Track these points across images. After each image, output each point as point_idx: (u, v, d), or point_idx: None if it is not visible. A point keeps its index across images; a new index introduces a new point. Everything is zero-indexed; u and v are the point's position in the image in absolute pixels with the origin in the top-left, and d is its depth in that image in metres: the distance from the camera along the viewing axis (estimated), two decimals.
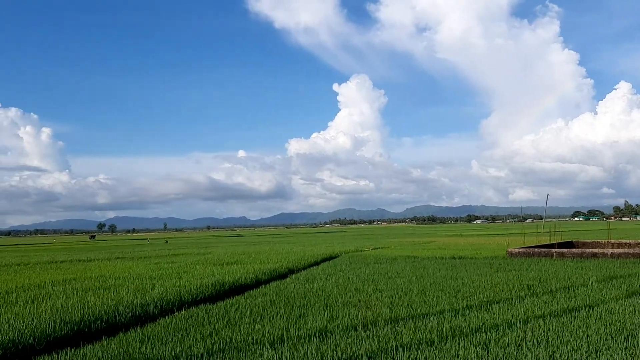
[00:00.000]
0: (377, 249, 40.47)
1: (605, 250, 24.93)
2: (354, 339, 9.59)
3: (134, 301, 13.64)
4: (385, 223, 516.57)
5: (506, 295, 14.36)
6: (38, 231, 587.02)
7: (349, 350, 8.85)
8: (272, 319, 11.74)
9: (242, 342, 9.61)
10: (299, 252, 35.58)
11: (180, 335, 10.27)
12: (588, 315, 11.23)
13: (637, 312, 11.44)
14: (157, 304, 13.49)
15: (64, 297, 15.15)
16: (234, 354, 8.86)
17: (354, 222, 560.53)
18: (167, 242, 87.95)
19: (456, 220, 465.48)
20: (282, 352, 8.84)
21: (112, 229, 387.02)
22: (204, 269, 23.96)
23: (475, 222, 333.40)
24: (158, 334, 10.52)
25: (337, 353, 8.66)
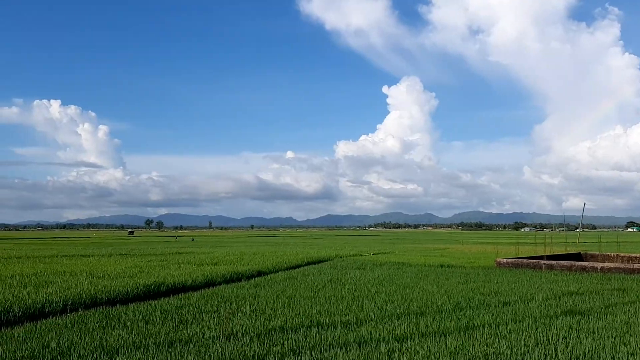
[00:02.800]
0: (378, 254, 39.51)
1: (596, 265, 23.34)
2: (198, 350, 9.05)
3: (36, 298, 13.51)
4: (431, 228, 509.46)
5: (433, 308, 13.48)
6: (91, 225, 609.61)
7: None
8: (148, 325, 11.31)
9: (89, 346, 9.25)
10: (293, 255, 35.09)
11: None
12: (482, 334, 10.27)
13: (540, 333, 10.38)
14: (59, 303, 13.27)
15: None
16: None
17: (399, 226, 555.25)
18: (193, 239, 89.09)
19: (504, 227, 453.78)
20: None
21: (159, 225, 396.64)
22: (171, 269, 23.83)
23: (522, 230, 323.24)
24: None
25: None
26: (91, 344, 9.28)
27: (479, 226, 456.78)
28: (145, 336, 9.92)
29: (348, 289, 17.46)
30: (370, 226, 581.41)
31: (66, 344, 9.30)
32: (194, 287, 18.07)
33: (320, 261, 31.02)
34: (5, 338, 9.78)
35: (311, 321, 11.55)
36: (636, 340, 9.73)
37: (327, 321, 11.57)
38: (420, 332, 10.36)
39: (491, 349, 8.99)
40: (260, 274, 23.25)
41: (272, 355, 8.61)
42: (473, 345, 9.31)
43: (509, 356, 8.60)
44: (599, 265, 23.17)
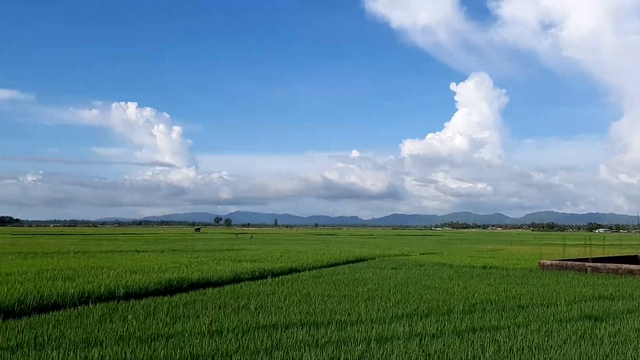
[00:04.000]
0: (425, 254, 38.78)
1: None
2: (175, 345, 9.19)
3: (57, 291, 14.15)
4: (500, 228, 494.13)
5: (443, 310, 13.07)
6: (165, 222, 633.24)
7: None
8: (146, 320, 11.60)
9: (76, 338, 9.59)
10: (336, 253, 35.07)
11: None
12: (471, 338, 9.85)
13: (538, 337, 9.83)
14: (75, 296, 13.83)
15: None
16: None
17: (467, 226, 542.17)
18: (252, 237, 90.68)
19: (579, 228, 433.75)
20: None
21: (228, 223, 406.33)
22: (209, 265, 24.36)
23: (597, 231, 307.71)
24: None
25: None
26: (80, 336, 9.61)
27: (551, 227, 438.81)
28: (135, 330, 10.17)
29: (368, 288, 17.23)
30: (436, 226, 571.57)
31: (57, 335, 9.68)
32: (218, 284, 18.35)
33: (360, 260, 30.79)
34: (6, 328, 10.29)
35: (307, 320, 11.48)
36: (635, 348, 9.03)
37: (322, 320, 11.46)
38: (408, 334, 10.06)
39: (469, 352, 8.60)
40: (291, 271, 23.36)
41: (242, 351, 8.62)
42: (453, 348, 8.94)
43: None
44: None
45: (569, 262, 24.26)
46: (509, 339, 9.72)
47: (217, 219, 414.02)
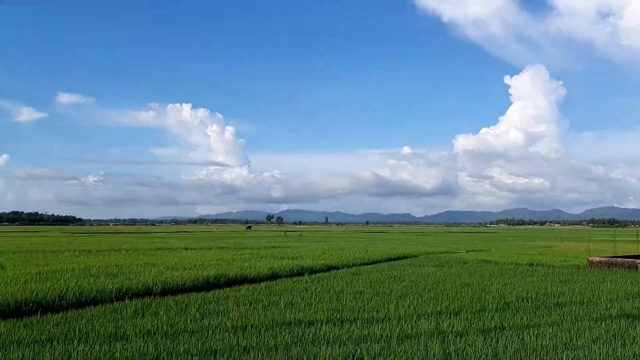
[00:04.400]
0: (472, 251, 38.08)
1: None
2: (199, 339, 9.41)
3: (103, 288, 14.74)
4: (558, 225, 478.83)
5: (475, 308, 12.83)
6: (219, 220, 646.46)
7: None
8: (176, 315, 11.92)
9: (106, 332, 9.97)
10: (379, 251, 34.90)
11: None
12: (498, 336, 9.63)
13: (566, 336, 9.50)
14: (112, 292, 14.34)
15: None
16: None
17: (523, 223, 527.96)
18: (300, 235, 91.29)
19: None
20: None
21: (279, 221, 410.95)
22: (250, 262, 24.71)
23: None
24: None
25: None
26: (109, 331, 9.98)
27: (612, 223, 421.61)
28: (163, 325, 10.47)
29: (404, 286, 17.09)
30: (491, 223, 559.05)
31: (88, 329, 10.08)
32: (255, 280, 18.61)
33: (403, 257, 30.53)
34: (42, 322, 10.79)
35: (333, 316, 11.52)
36: None
37: (349, 317, 11.47)
38: (433, 332, 9.94)
39: (490, 351, 8.42)
40: (330, 268, 23.41)
41: (260, 347, 8.74)
42: (473, 347, 8.77)
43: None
44: None
45: (619, 259, 23.32)
46: (536, 338, 9.46)
47: (269, 217, 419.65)
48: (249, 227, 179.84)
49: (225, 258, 27.40)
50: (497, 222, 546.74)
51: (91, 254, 32.49)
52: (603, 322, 10.99)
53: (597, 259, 24.10)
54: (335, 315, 11.74)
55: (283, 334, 9.76)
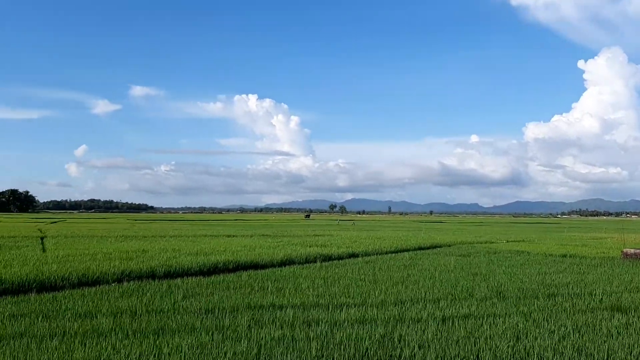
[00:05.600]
0: (512, 241, 37.04)
1: None
2: (168, 317, 9.86)
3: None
4: (635, 216, 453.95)
5: (462, 296, 12.64)
6: (284, 209, 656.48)
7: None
8: (163, 297, 12.46)
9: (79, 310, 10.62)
10: (412, 240, 34.64)
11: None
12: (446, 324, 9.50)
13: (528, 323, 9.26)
14: (115, 275, 15.14)
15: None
16: None
17: (598, 214, 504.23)
18: (354, 223, 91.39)
19: None
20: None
21: (342, 209, 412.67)
22: (276, 249, 25.18)
23: None
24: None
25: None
26: (83, 310, 10.60)
27: None
28: (140, 305, 11.00)
29: (407, 274, 16.99)
30: (563, 214, 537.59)
31: (68, 307, 10.76)
32: (265, 266, 18.98)
33: (435, 247, 30.17)
34: (27, 300, 11.62)
35: (309, 301, 11.71)
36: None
37: (323, 302, 11.60)
38: (390, 318, 9.94)
39: (429, 337, 8.36)
40: (351, 256, 23.50)
41: (209, 327, 9.06)
42: (418, 332, 8.73)
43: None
44: None
45: None
46: (489, 327, 9.27)
47: (332, 206, 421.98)
48: (308, 216, 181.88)
49: (254, 245, 27.99)
50: (570, 213, 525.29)
51: (135, 239, 34.04)
52: (582, 314, 10.59)
53: (632, 251, 22.95)
54: (312, 300, 11.89)
55: (243, 315, 10.06)
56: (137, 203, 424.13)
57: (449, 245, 31.15)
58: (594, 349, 8.02)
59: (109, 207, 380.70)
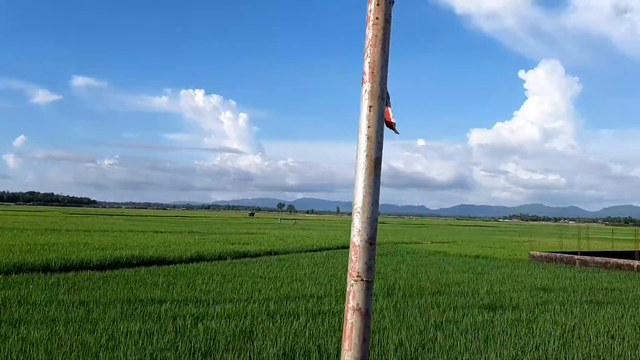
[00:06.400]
0: (437, 243, 38.03)
1: (633, 263, 20.54)
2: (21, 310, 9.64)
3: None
4: (572, 222, 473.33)
5: (296, 295, 12.82)
6: (232, 207, 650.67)
7: None
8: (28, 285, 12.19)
9: None
10: (338, 239, 35.04)
11: None
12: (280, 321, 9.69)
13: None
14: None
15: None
16: None
17: (538, 219, 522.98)
18: (295, 222, 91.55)
19: None
20: None
21: (291, 209, 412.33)
22: (196, 245, 24.97)
23: None
24: None
25: None
26: None
27: (627, 222, 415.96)
28: (20, 297, 10.76)
29: (313, 271, 17.25)
30: (504, 218, 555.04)
31: None
32: (173, 262, 18.71)
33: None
34: None
35: (195, 296, 11.66)
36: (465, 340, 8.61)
37: (210, 298, 11.58)
38: (268, 313, 10.04)
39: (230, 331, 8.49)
40: (269, 253, 23.57)
41: (74, 319, 8.92)
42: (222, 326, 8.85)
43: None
44: (636, 264, 20.35)
45: (558, 255, 23.17)
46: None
47: (280, 205, 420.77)
48: (252, 214, 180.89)
49: (174, 241, 27.68)
50: (511, 218, 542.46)
51: (57, 232, 33.07)
52: (448, 311, 10.98)
53: (538, 253, 23.98)
54: (196, 295, 11.83)
55: (115, 309, 9.95)
56: (79, 197, 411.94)
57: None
58: (445, 344, 8.33)
59: (50, 200, 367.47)
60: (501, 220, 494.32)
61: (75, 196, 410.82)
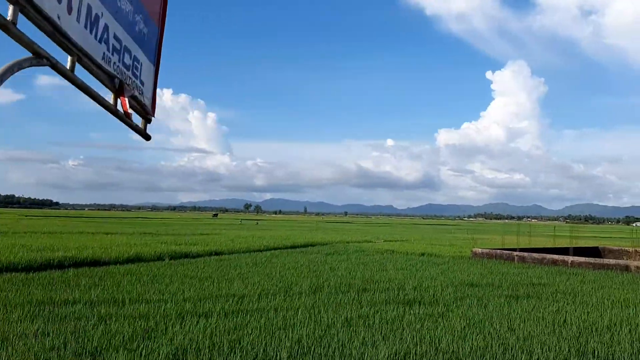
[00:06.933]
0: (390, 241, 38.38)
1: (567, 258, 21.14)
2: None
3: None
4: (535, 220, 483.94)
5: (266, 292, 12.87)
6: (199, 208, 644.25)
7: None
8: None
9: None
10: (290, 239, 35.09)
11: None
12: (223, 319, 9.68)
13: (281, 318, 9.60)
14: None
15: None
16: None
17: (501, 217, 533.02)
18: (257, 223, 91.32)
19: (618, 221, 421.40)
20: None
21: (257, 209, 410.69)
22: (135, 247, 24.61)
23: (635, 225, 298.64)
24: None
25: None
26: None
27: (586, 220, 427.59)
28: None
29: (249, 270, 17.18)
30: (469, 217, 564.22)
31: None
32: (108, 263, 18.41)
33: (310, 245, 30.73)
34: None
35: (111, 297, 11.50)
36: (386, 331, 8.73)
37: (126, 298, 11.41)
38: (179, 313, 9.98)
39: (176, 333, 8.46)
40: (214, 254, 23.41)
41: None
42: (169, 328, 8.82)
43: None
44: (570, 259, 20.94)
45: (498, 251, 23.71)
46: (255, 320, 9.52)
47: (247, 206, 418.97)
48: (215, 215, 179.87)
49: (120, 242, 27.20)
50: (475, 216, 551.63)
51: (2, 235, 32.18)
52: (365, 307, 11.10)
53: (480, 250, 24.46)
54: (113, 296, 11.62)
55: (21, 310, 9.76)
56: (40, 198, 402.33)
57: (325, 244, 31.74)
58: (346, 339, 8.42)
59: (9, 202, 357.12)
60: (465, 219, 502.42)
61: (37, 198, 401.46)
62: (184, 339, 8.09)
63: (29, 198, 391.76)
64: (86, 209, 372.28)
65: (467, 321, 10.00)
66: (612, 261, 20.33)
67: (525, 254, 22.43)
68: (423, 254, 26.30)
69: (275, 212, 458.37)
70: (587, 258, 20.75)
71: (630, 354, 8.05)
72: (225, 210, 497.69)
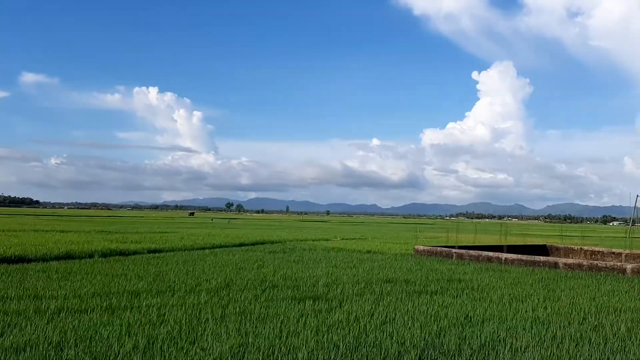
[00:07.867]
0: (349, 239, 38.48)
1: (501, 256, 21.34)
2: None
3: None
4: (516, 220, 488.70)
5: (183, 287, 12.80)
6: (182, 207, 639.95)
7: None
8: None
9: None
10: (249, 237, 35.07)
11: None
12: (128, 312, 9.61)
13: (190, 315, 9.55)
14: None
15: None
16: None
17: (483, 217, 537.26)
18: (229, 222, 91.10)
19: (596, 220, 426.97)
20: None
21: (239, 208, 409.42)
22: (86, 244, 24.42)
23: (611, 224, 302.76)
24: None
25: None
26: None
27: (565, 219, 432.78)
28: None
29: (174, 267, 17.12)
30: (451, 216, 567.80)
31: None
32: (36, 260, 18.26)
33: (260, 243, 30.71)
34: None
35: (19, 294, 11.41)
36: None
37: (35, 294, 11.36)
38: (80, 309, 9.86)
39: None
40: (154, 251, 23.38)
41: None
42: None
43: None
44: (504, 256, 21.14)
45: (438, 249, 23.89)
46: (133, 315, 9.46)
47: (229, 205, 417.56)
48: (192, 214, 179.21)
49: (67, 240, 26.96)
50: (458, 215, 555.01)
51: None
52: (267, 302, 11.09)
53: (422, 247, 24.62)
54: (21, 293, 11.57)
55: None
56: (20, 197, 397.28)
57: (276, 243, 31.68)
58: (199, 333, 8.39)
59: None
60: (447, 218, 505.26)
61: (17, 196, 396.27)
62: (35, 335, 8.00)
63: (9, 196, 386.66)
64: (65, 207, 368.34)
65: (351, 315, 10.02)
66: (542, 258, 20.55)
67: (463, 251, 22.62)
68: (369, 252, 26.38)
69: (258, 211, 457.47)
70: (519, 255, 20.95)
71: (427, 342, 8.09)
72: (208, 209, 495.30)
